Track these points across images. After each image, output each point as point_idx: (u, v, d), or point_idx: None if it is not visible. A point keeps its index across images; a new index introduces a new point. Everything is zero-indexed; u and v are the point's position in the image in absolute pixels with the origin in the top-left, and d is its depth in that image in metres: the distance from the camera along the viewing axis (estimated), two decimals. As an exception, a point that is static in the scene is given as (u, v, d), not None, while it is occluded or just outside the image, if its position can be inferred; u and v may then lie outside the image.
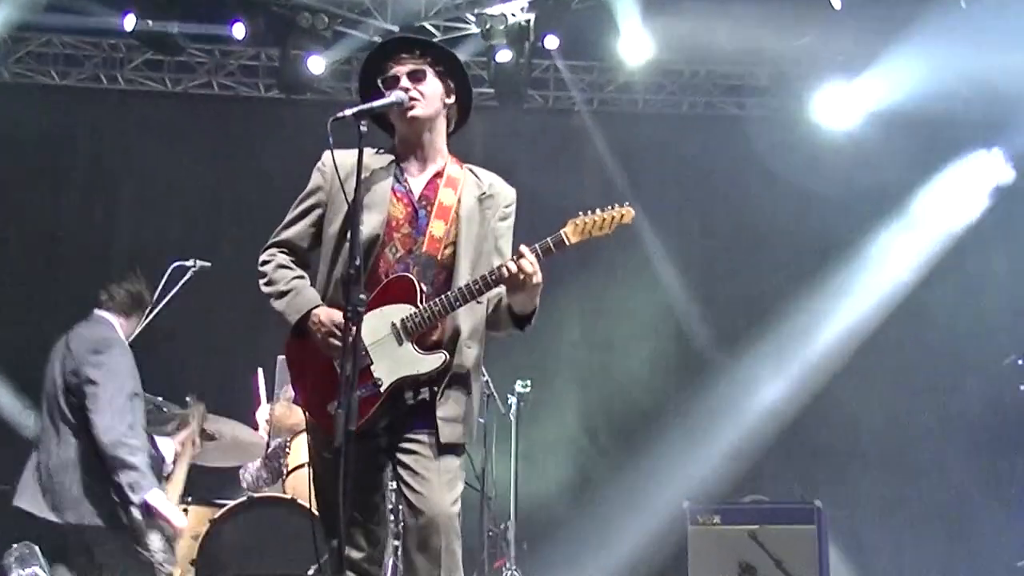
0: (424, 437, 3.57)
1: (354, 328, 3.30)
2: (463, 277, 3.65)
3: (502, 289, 3.65)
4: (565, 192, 9.81)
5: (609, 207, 3.68)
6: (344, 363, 3.29)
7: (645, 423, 9.31)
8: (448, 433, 3.59)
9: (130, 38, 9.58)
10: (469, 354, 3.69)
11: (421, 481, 3.52)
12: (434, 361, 3.57)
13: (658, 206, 9.81)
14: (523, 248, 3.58)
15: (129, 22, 9.17)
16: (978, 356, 9.58)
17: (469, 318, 3.68)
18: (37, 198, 9.88)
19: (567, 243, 3.62)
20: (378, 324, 3.57)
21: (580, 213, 3.65)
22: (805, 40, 9.42)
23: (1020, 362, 8.63)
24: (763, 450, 9.13)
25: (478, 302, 3.65)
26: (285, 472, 6.50)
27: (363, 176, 3.64)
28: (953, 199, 9.65)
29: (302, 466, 6.34)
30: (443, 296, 3.58)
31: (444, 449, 3.57)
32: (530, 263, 3.54)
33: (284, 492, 6.39)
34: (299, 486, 6.28)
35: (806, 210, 9.79)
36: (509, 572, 7.31)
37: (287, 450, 6.61)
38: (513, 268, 3.53)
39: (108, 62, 10.13)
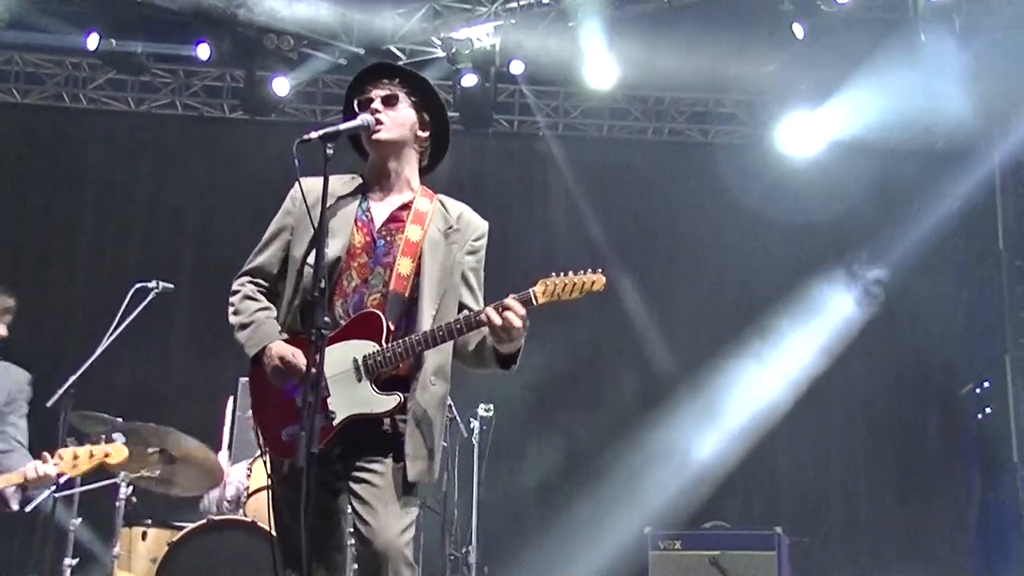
0: (377, 466, 3.54)
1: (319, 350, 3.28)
2: (426, 313, 3.61)
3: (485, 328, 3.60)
4: (530, 217, 9.87)
5: (582, 271, 3.58)
6: (306, 386, 3.28)
7: (607, 448, 9.32)
8: (416, 471, 3.55)
9: (93, 57, 9.51)
10: (435, 391, 3.64)
11: (370, 511, 3.48)
12: (389, 403, 3.54)
13: (622, 231, 9.88)
14: (510, 301, 3.50)
15: (92, 41, 9.12)
16: (937, 385, 9.68)
17: (435, 356, 3.63)
18: (-2, 216, 9.80)
19: (534, 303, 3.55)
20: (340, 357, 3.54)
21: (552, 274, 3.56)
22: (769, 69, 9.52)
23: (977, 391, 8.73)
24: (725, 476, 9.15)
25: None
26: (246, 495, 6.44)
27: (330, 201, 3.62)
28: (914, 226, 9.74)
29: (262, 489, 6.29)
30: (407, 339, 3.54)
31: (403, 483, 3.54)
32: (519, 320, 3.48)
33: (244, 515, 6.32)
34: (260, 509, 6.23)
35: (769, 236, 9.88)
36: (471, 597, 7.28)
37: (248, 473, 6.55)
38: (496, 320, 3.48)
39: (71, 81, 10.07)
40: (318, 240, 3.42)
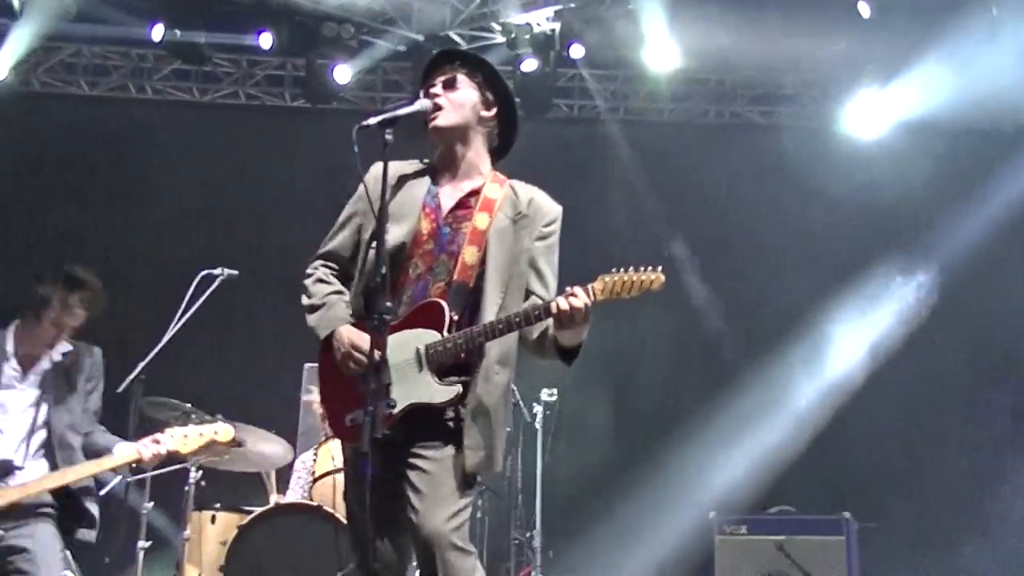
0: (431, 453, 3.53)
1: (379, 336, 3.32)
2: (490, 303, 3.59)
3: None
4: (590, 201, 9.82)
5: (642, 268, 3.53)
6: (369, 372, 3.30)
7: (672, 433, 9.26)
8: (474, 462, 3.54)
9: (158, 48, 9.65)
10: (498, 380, 3.61)
11: (420, 498, 3.49)
12: (448, 393, 3.53)
13: (684, 215, 9.80)
14: (576, 288, 3.48)
15: (157, 32, 9.24)
16: (1009, 367, 9.50)
17: (499, 345, 3.60)
18: (65, 206, 9.96)
19: (592, 299, 3.49)
20: (403, 346, 3.54)
21: (612, 270, 3.51)
22: (833, 48, 9.37)
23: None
24: (790, 460, 9.06)
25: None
26: (311, 480, 6.52)
27: (399, 187, 3.67)
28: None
29: (328, 474, 6.37)
30: (468, 330, 3.52)
31: (458, 471, 3.54)
32: (581, 302, 3.44)
33: (311, 499, 6.40)
34: (326, 494, 6.31)
35: (834, 219, 9.75)
36: (534, 581, 7.29)
37: (314, 458, 6.63)
38: (564, 306, 3.45)
39: (136, 72, 10.20)
40: (379, 225, 3.42)
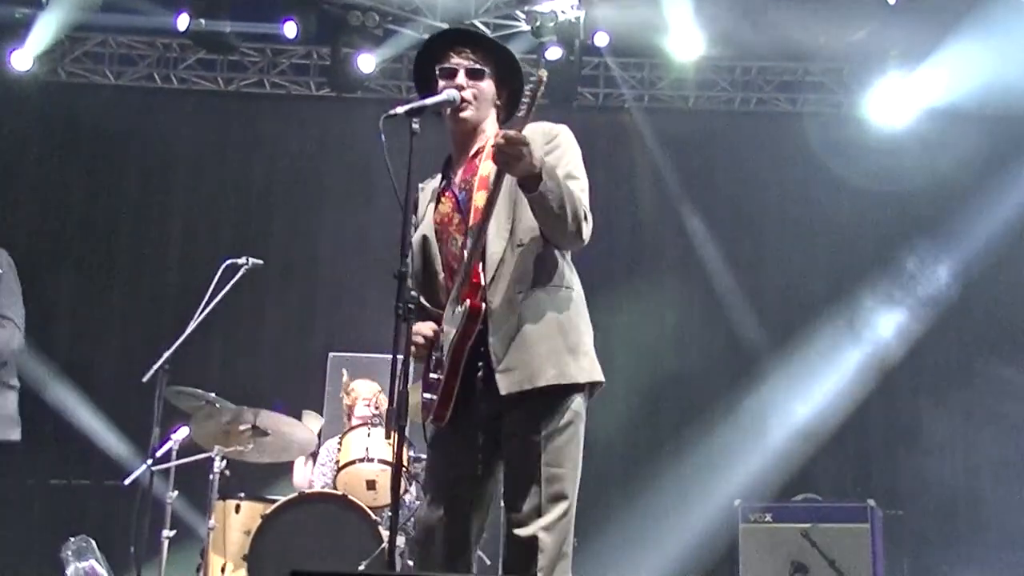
0: (520, 443, 3.56)
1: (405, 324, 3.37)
2: (495, 222, 3.56)
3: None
4: (616, 190, 9.80)
5: (529, 86, 3.41)
6: (394, 361, 3.34)
7: (696, 421, 9.26)
8: (506, 384, 3.50)
9: (183, 38, 9.67)
10: (524, 300, 3.55)
11: (510, 496, 3.55)
12: (460, 313, 3.52)
13: (709, 203, 9.78)
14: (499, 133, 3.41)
15: (183, 22, 9.25)
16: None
17: (510, 262, 3.57)
18: (92, 196, 10.02)
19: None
20: (451, 308, 3.62)
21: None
22: (859, 34, 9.30)
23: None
24: (815, 448, 9.04)
25: (519, 244, 3.57)
26: (335, 469, 6.54)
27: (427, 199, 3.77)
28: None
29: (352, 463, 6.39)
30: (468, 251, 3.56)
31: (544, 455, 3.57)
32: (501, 138, 3.34)
33: (335, 488, 6.43)
34: (350, 483, 6.33)
35: (860, 207, 9.71)
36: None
37: (338, 447, 6.65)
38: (496, 148, 3.37)
39: (162, 61, 10.22)
40: (404, 217, 3.46)
